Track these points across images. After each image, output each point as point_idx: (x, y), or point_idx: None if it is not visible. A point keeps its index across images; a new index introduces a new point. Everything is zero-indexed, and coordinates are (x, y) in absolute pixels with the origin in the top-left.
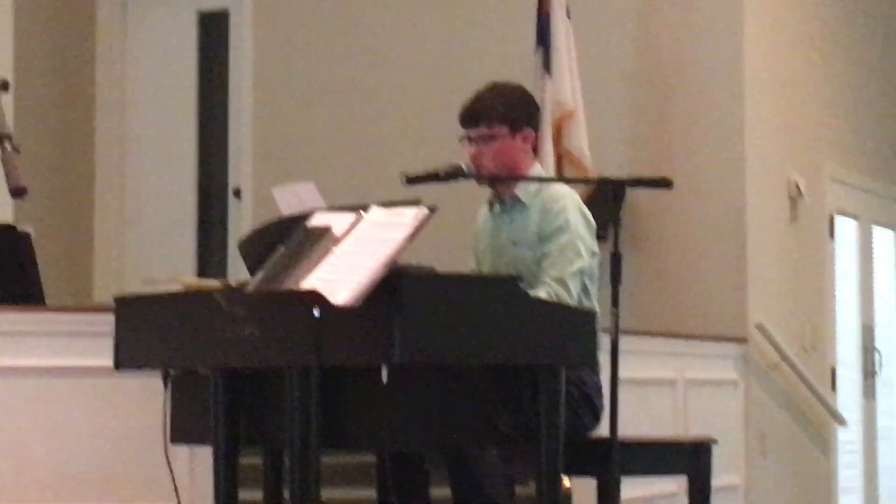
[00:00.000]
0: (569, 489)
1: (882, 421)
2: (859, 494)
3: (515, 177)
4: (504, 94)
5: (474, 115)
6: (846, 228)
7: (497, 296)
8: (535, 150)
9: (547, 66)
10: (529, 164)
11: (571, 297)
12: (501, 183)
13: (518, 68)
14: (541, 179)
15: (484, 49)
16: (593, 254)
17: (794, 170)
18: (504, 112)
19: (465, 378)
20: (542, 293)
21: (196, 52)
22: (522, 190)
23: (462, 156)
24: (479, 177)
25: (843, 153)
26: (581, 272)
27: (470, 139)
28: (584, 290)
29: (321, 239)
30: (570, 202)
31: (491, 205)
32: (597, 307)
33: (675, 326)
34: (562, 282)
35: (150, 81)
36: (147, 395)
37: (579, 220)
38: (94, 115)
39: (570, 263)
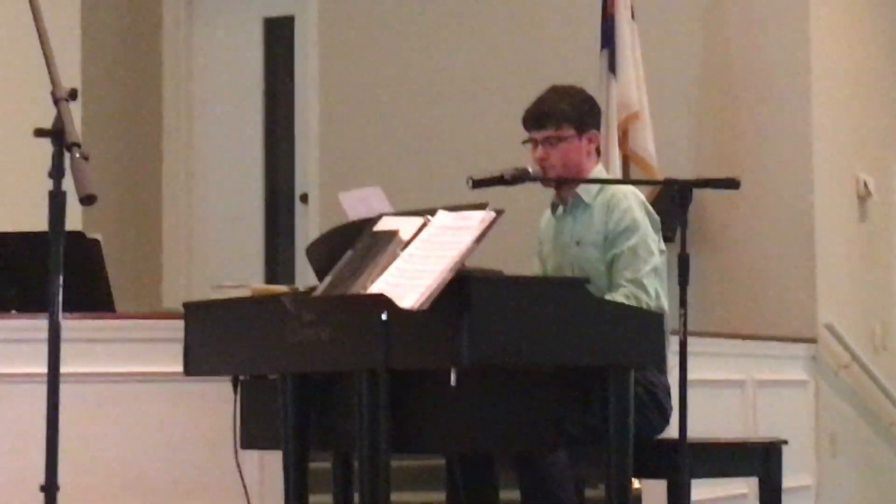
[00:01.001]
0: (639, 491)
1: None
2: None
3: (581, 179)
4: (570, 96)
5: (541, 117)
6: None
7: (564, 297)
8: (598, 152)
9: (612, 67)
10: (593, 165)
11: (650, 296)
12: (565, 184)
13: (583, 70)
14: (606, 181)
15: (549, 51)
16: (661, 252)
17: (862, 169)
18: (571, 113)
19: (534, 380)
20: (619, 296)
21: (262, 59)
22: (584, 190)
23: (526, 159)
24: (545, 179)
25: None
26: (655, 270)
27: (536, 142)
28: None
29: (388, 243)
30: (634, 201)
31: (554, 207)
32: (666, 307)
33: (743, 327)
34: (638, 282)
35: (217, 88)
36: (217, 400)
37: (646, 218)
38: (162, 121)
39: (644, 263)
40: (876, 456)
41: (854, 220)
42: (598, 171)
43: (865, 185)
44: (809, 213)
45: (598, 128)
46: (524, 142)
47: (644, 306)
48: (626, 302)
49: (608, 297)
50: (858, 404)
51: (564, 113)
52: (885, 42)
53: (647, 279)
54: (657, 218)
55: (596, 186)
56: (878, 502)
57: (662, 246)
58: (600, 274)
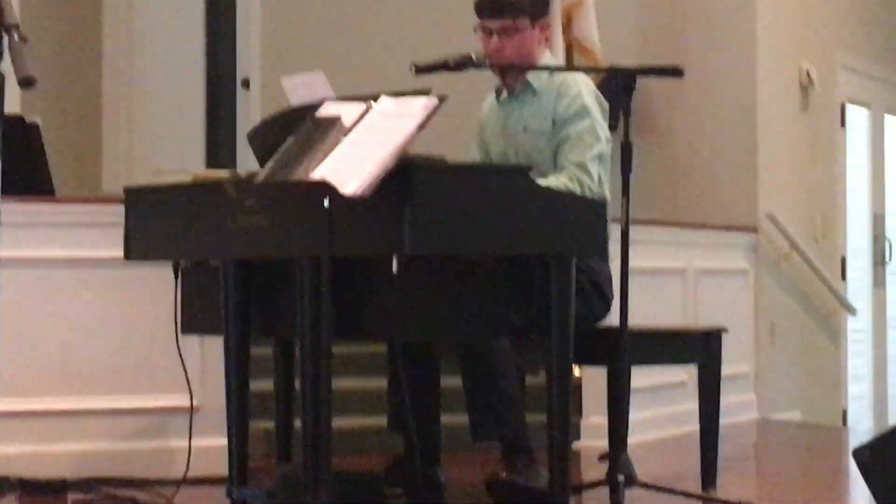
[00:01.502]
0: (579, 378)
1: (892, 310)
2: (868, 382)
3: (528, 66)
4: None
5: (499, 6)
6: (857, 117)
7: (508, 186)
8: (548, 39)
9: None
10: (541, 53)
11: (593, 180)
12: (510, 71)
13: None
14: (552, 68)
15: None
16: (608, 140)
17: (805, 59)
18: (528, 4)
19: (476, 269)
20: (563, 178)
21: None
22: (533, 76)
23: (470, 45)
24: (490, 66)
25: (854, 41)
26: (600, 156)
27: (489, 30)
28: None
29: (331, 129)
30: (584, 88)
31: (498, 92)
32: (608, 196)
33: (685, 216)
34: (583, 166)
35: None
36: (158, 286)
37: (595, 105)
38: (102, 4)
39: (589, 148)
40: (814, 345)
41: (796, 110)
42: (548, 57)
43: (808, 74)
44: (752, 103)
45: (548, 16)
46: (475, 28)
47: (587, 190)
48: (568, 184)
49: (551, 177)
50: (797, 294)
51: (522, 4)
52: None
53: (591, 164)
54: (606, 106)
55: (545, 73)
56: (814, 390)
57: (608, 134)
58: (546, 160)
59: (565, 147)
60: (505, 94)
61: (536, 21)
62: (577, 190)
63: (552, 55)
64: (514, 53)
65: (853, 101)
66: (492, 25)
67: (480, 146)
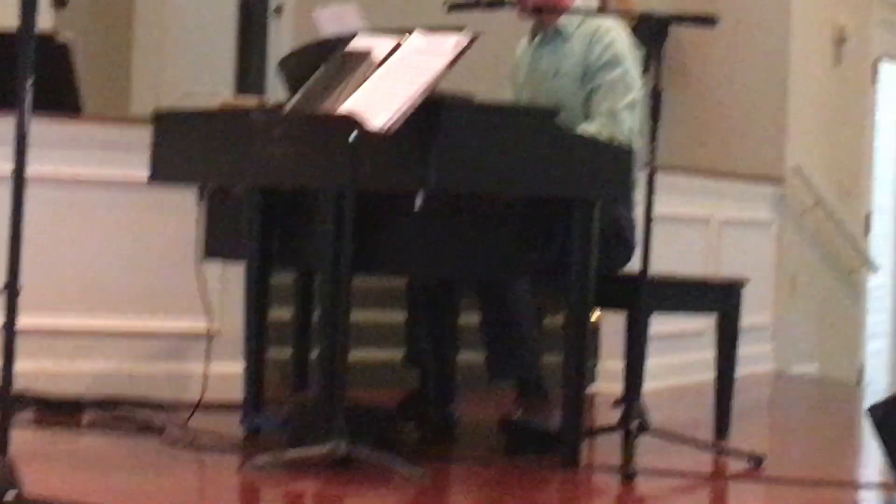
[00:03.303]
0: (597, 322)
1: None
2: (886, 339)
3: (560, 8)
4: None
5: None
6: (890, 75)
7: (534, 128)
8: None
9: None
10: None
11: (622, 130)
12: (544, 13)
13: None
14: (584, 13)
15: None
16: (640, 87)
17: (840, 12)
18: None
19: (500, 209)
20: (593, 127)
21: None
22: (567, 21)
23: None
24: (522, 5)
25: None
26: (633, 105)
27: None
28: None
29: (360, 63)
30: (617, 35)
31: (532, 35)
32: (637, 141)
33: (712, 164)
34: (614, 114)
35: None
36: (182, 210)
37: (629, 53)
38: None
39: (621, 96)
40: (833, 300)
41: (829, 64)
42: (581, 2)
43: (842, 29)
44: (785, 55)
45: None
46: None
47: (617, 138)
48: (601, 132)
49: (583, 126)
50: (820, 248)
51: None
52: None
53: (623, 112)
54: (642, 53)
55: (577, 18)
56: (832, 345)
57: (641, 81)
58: (575, 106)
59: (598, 95)
60: (539, 36)
61: None
62: (608, 138)
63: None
64: None
65: (889, 56)
66: None
67: (514, 88)
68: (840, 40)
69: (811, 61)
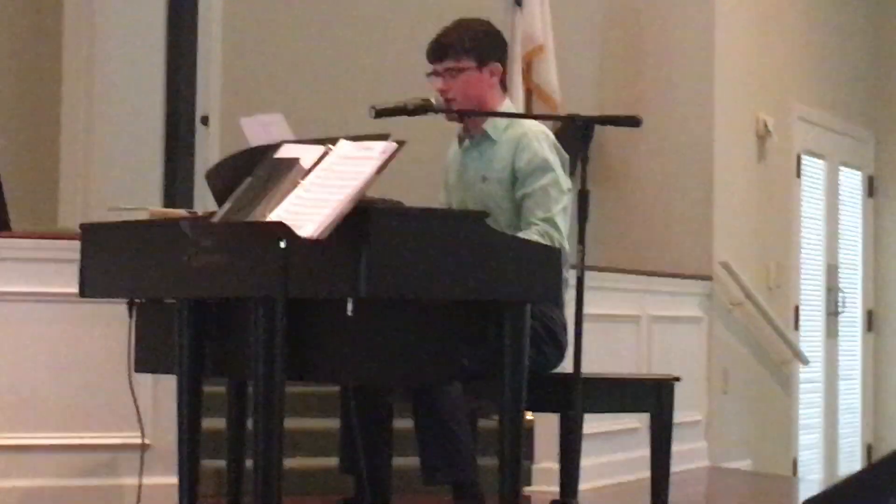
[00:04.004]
0: (531, 423)
1: (844, 360)
2: (819, 432)
3: (482, 112)
4: (470, 28)
5: (441, 48)
6: (813, 168)
7: (463, 231)
8: (504, 86)
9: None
10: (499, 100)
11: (561, 234)
12: (470, 117)
13: (489, 2)
14: (509, 115)
15: None
16: (569, 190)
17: (762, 109)
18: (470, 45)
19: (431, 313)
20: (533, 234)
21: None
22: (491, 125)
23: (430, 91)
24: (447, 111)
25: (811, 92)
26: (565, 209)
27: (437, 74)
28: None
29: (289, 171)
30: (545, 140)
31: (461, 139)
32: (566, 244)
33: (641, 263)
34: (551, 221)
35: (119, 7)
36: (112, 323)
37: (556, 157)
38: (62, 39)
39: (555, 202)
40: (766, 393)
41: (752, 160)
42: (507, 105)
43: (765, 124)
44: (709, 152)
45: (501, 61)
46: (428, 74)
47: (556, 244)
48: (540, 240)
49: (521, 234)
50: (751, 342)
51: (464, 45)
52: None
53: (558, 217)
54: (566, 157)
55: (504, 122)
56: (766, 439)
57: (569, 184)
58: (504, 210)
59: (530, 202)
60: (467, 141)
61: (485, 64)
62: (548, 244)
63: (511, 103)
64: (461, 95)
65: (809, 153)
66: (437, 68)
67: (445, 191)
68: (763, 136)
69: (735, 157)
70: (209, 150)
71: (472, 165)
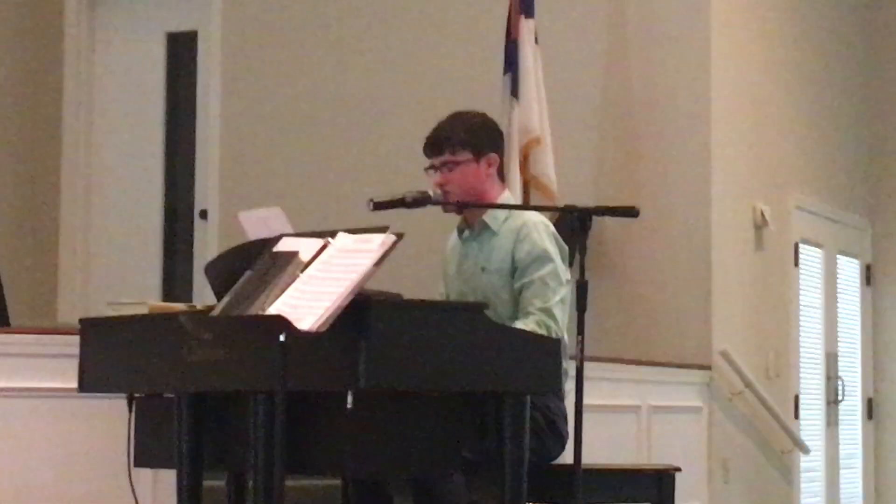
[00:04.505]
0: None
1: (844, 449)
2: None
3: (481, 204)
4: (466, 121)
5: (438, 142)
6: (811, 257)
7: (463, 323)
8: (502, 175)
9: (514, 91)
10: (497, 190)
11: (558, 324)
12: (469, 209)
13: (486, 94)
14: (507, 206)
15: (452, 74)
16: (567, 281)
17: (759, 198)
18: (466, 138)
19: (431, 404)
20: (531, 324)
21: (164, 73)
22: (490, 216)
23: (428, 183)
24: (445, 203)
25: (808, 182)
26: (563, 300)
27: (435, 167)
28: None
29: (288, 264)
30: (544, 231)
31: (460, 231)
32: (564, 334)
33: (639, 353)
34: (548, 311)
35: (118, 102)
36: (111, 417)
37: (556, 248)
38: (61, 134)
39: (553, 293)
40: (767, 483)
41: (750, 249)
42: (505, 197)
43: (762, 214)
44: (706, 242)
45: (498, 152)
46: (426, 168)
47: (554, 335)
48: (537, 330)
49: (518, 323)
50: (751, 431)
51: (461, 138)
52: (785, 72)
53: (556, 308)
54: (566, 247)
55: (503, 213)
56: None
57: (568, 275)
58: (503, 301)
59: (529, 293)
60: (466, 232)
61: (482, 155)
62: (545, 335)
63: (510, 194)
64: (458, 187)
65: (806, 241)
66: (434, 162)
67: (444, 282)
68: (760, 225)
69: (733, 246)
70: (208, 244)
71: (472, 256)
